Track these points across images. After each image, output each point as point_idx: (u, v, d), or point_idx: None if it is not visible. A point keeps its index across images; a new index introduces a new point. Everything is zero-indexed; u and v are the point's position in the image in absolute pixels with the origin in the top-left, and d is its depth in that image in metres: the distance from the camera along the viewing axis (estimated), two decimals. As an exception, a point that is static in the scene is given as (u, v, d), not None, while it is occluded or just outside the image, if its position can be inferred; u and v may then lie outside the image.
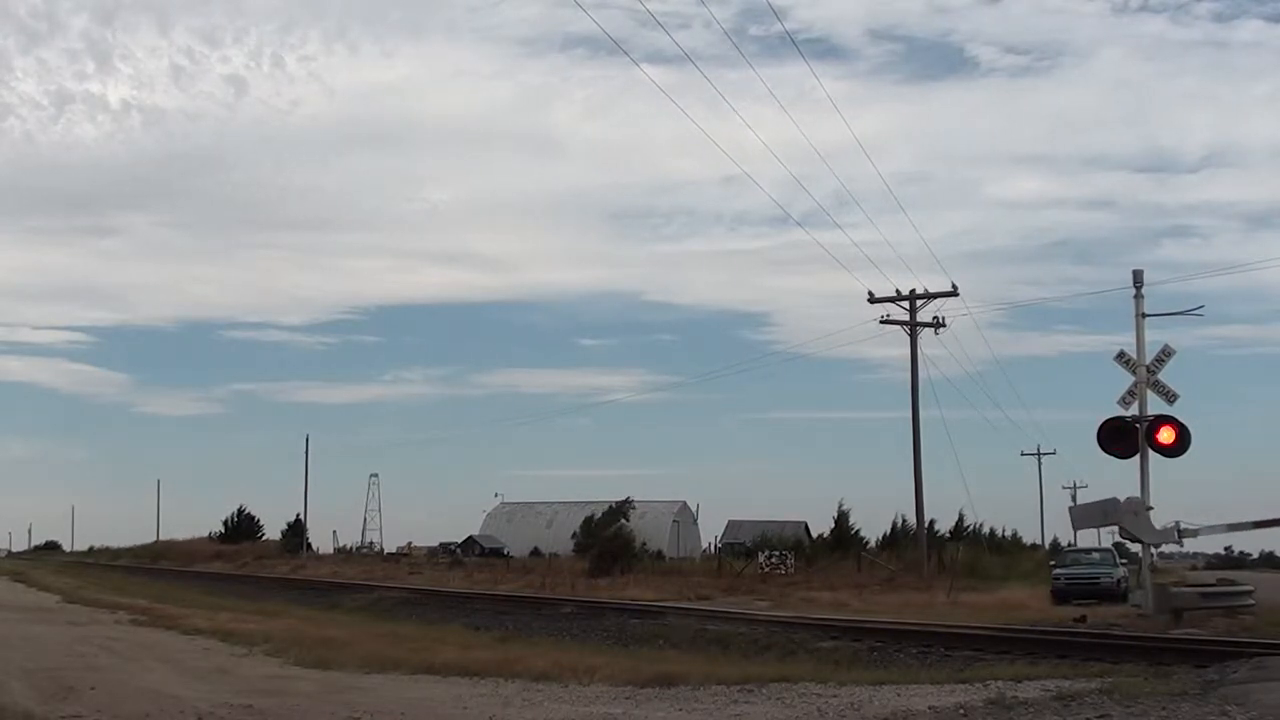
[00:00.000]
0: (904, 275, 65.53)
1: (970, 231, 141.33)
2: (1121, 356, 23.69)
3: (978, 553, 53.68)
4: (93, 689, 11.37)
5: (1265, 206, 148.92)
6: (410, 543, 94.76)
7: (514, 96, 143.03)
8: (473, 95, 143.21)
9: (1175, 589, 24.06)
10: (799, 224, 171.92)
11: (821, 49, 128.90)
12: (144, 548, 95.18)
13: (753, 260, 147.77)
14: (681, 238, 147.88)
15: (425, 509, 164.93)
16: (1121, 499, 22.46)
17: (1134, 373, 23.29)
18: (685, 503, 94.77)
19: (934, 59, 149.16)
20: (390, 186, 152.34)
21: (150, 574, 58.85)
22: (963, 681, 11.66)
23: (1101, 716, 8.95)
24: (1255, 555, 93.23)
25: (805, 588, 39.26)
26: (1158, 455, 22.53)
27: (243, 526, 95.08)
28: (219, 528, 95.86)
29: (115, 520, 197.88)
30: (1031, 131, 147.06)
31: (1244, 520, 26.52)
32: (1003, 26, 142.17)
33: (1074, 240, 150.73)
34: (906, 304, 42.01)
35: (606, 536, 61.79)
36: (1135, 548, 25.91)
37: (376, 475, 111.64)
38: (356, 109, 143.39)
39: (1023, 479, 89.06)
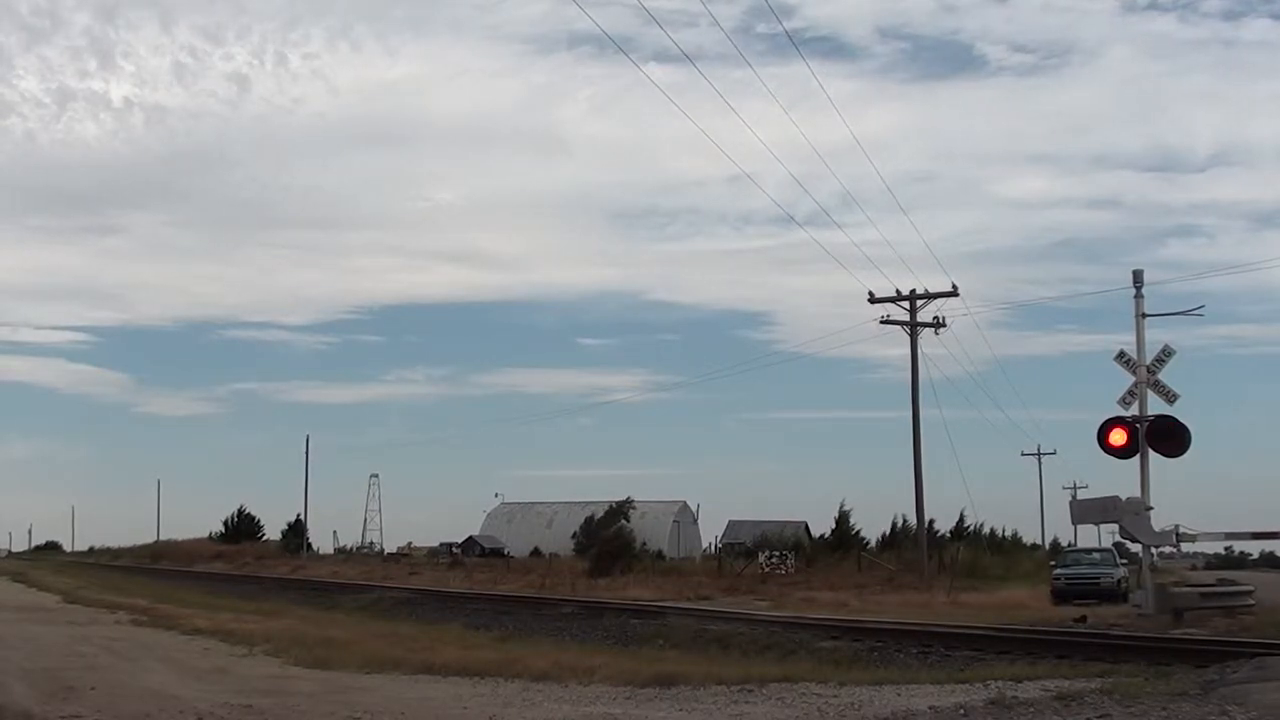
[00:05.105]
0: (908, 275, 65.56)
1: (976, 231, 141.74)
2: (1121, 356, 23.70)
3: (978, 553, 53.66)
4: (93, 689, 11.38)
5: (1271, 206, 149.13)
6: (410, 543, 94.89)
7: (519, 95, 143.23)
8: (477, 94, 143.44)
9: (1175, 589, 24.05)
10: (800, 225, 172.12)
11: (829, 47, 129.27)
12: (144, 548, 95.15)
13: (757, 260, 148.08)
14: (686, 237, 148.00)
15: (425, 509, 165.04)
16: (1123, 498, 22.47)
17: (1134, 373, 23.30)
18: (685, 503, 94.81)
19: (941, 57, 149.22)
20: (393, 185, 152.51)
21: (150, 574, 58.86)
22: (963, 681, 11.65)
23: (1102, 716, 8.95)
24: (1255, 555, 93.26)
25: (805, 588, 39.25)
26: (1158, 455, 22.53)
27: (243, 527, 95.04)
28: (219, 528, 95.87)
29: (115, 520, 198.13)
30: (1038, 130, 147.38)
31: (1243, 530, 26.61)
32: (1011, 25, 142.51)
33: (1079, 239, 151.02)
34: (907, 304, 42.05)
35: (607, 536, 61.82)
36: (1135, 548, 25.90)
37: (377, 475, 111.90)
38: (360, 107, 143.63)
39: (1023, 479, 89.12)
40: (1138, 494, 22.35)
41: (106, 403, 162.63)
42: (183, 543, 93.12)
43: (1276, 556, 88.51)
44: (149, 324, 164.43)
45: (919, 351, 42.20)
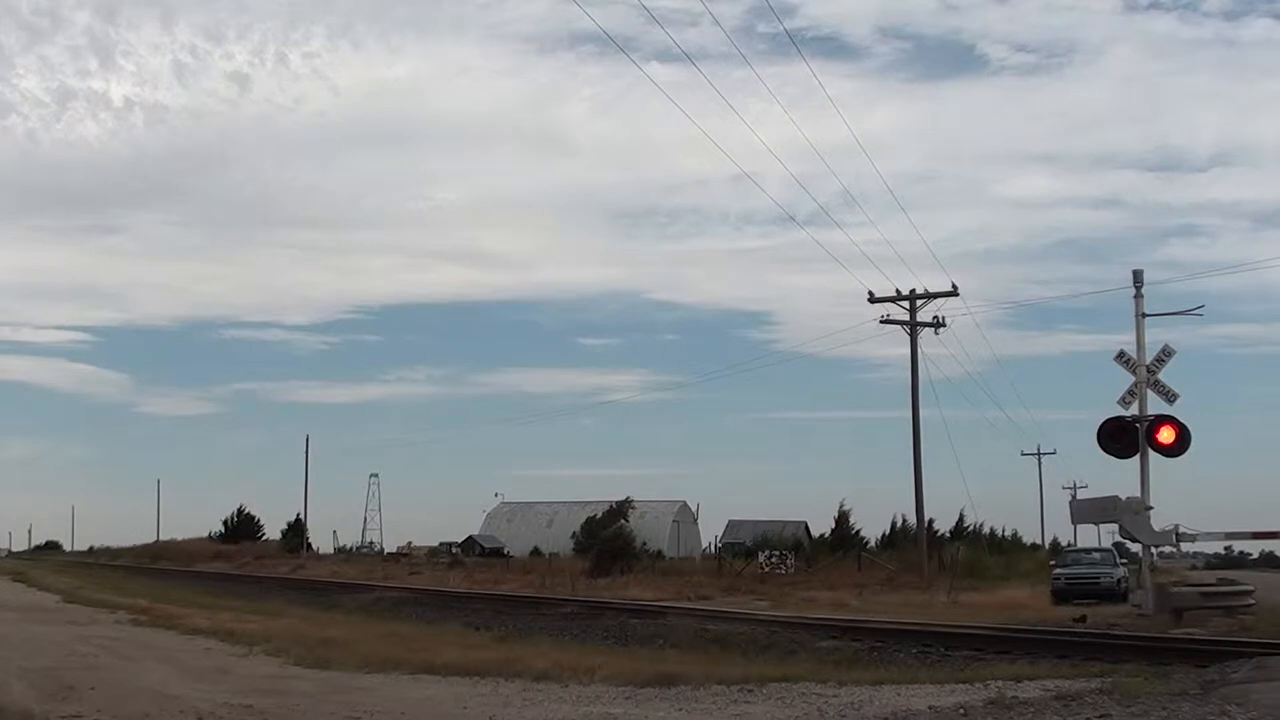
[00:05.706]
0: (909, 275, 65.53)
1: (977, 230, 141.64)
2: (1121, 356, 23.72)
3: (978, 553, 53.66)
4: (93, 689, 11.37)
5: (1273, 205, 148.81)
6: (410, 543, 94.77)
7: (520, 94, 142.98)
8: (478, 93, 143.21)
9: (1175, 589, 24.05)
10: (800, 225, 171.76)
11: (831, 47, 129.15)
12: (144, 548, 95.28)
13: (758, 259, 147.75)
14: (687, 237, 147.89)
15: (425, 509, 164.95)
16: (1123, 498, 22.48)
17: (1134, 373, 23.31)
18: (685, 503, 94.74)
19: (943, 57, 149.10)
20: (395, 185, 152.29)
21: (150, 574, 58.86)
22: (963, 681, 11.65)
23: (1102, 716, 8.95)
24: (1255, 555, 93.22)
25: (805, 587, 39.29)
26: (1158, 455, 22.54)
27: (243, 526, 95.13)
28: (219, 528, 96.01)
29: (115, 520, 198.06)
30: (1040, 130, 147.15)
31: (1243, 530, 26.57)
32: (1012, 24, 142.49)
33: (1080, 239, 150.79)
34: (907, 304, 42.07)
35: (607, 536, 61.73)
36: (1135, 547, 25.91)
37: (377, 475, 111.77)
38: (361, 106, 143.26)
39: (1023, 479, 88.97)
40: (1138, 494, 22.36)
41: (106, 403, 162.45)
42: (183, 543, 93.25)
43: (1276, 556, 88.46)
44: (149, 324, 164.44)
45: (919, 351, 42.31)
